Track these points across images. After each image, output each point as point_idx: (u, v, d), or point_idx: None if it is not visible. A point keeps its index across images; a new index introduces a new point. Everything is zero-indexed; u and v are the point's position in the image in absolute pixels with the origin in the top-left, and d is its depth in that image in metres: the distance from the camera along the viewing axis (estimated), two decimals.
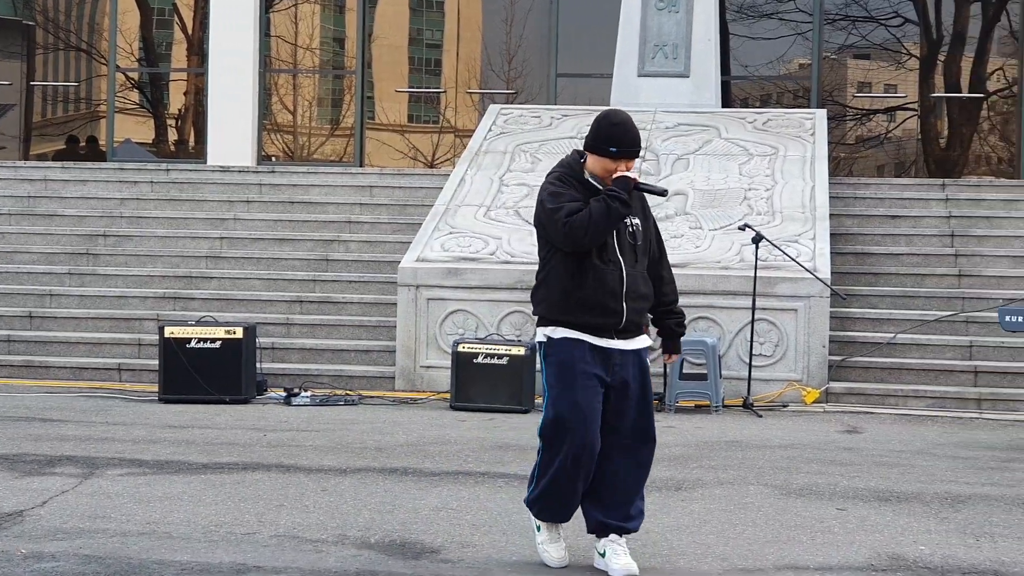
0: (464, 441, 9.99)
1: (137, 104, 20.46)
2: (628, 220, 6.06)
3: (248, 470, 8.57)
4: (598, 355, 6.03)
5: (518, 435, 10.31)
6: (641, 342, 6.13)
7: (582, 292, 6.00)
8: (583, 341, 6.02)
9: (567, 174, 6.13)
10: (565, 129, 15.67)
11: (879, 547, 6.68)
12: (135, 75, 20.38)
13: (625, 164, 6.00)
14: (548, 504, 6.18)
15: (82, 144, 20.30)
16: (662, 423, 11.12)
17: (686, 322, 6.42)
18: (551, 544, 6.26)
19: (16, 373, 13.37)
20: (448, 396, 12.11)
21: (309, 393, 12.15)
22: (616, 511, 6.14)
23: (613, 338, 6.04)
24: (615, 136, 6.00)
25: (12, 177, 17.71)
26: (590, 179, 6.08)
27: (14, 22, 20.87)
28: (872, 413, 12.00)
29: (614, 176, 6.01)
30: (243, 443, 9.69)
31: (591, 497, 6.17)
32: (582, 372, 5.99)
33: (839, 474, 8.74)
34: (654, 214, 6.41)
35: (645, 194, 6.20)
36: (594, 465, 6.06)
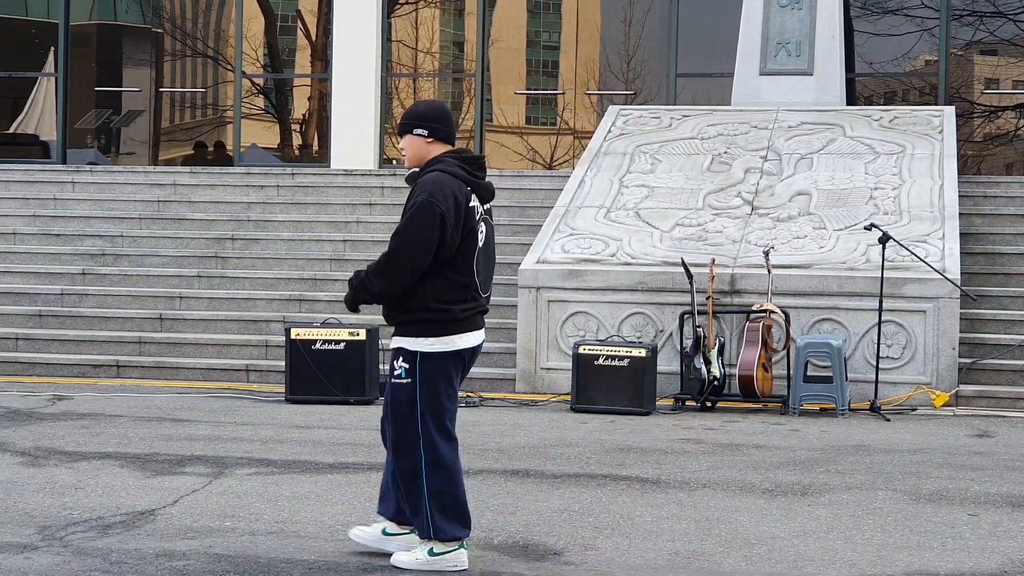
0: (585, 443, 9.97)
1: (262, 109, 20.77)
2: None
3: (373, 470, 8.64)
4: None
5: (639, 437, 10.28)
6: (393, 342, 6.11)
7: None
8: None
9: None
10: (685, 130, 15.58)
11: (1012, 553, 6.54)
12: (260, 81, 20.69)
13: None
14: None
15: (209, 149, 20.66)
16: (786, 426, 11.01)
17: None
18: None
19: (147, 374, 13.65)
20: (569, 398, 12.10)
21: None
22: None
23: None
24: None
25: (143, 182, 18.07)
26: None
27: (143, 30, 21.32)
28: (1004, 417, 11.75)
29: None
30: (368, 444, 9.77)
31: None
32: None
33: (970, 479, 8.57)
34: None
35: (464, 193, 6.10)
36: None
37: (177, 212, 17.18)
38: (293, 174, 18.07)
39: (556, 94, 19.94)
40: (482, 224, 6.09)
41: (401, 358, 6.03)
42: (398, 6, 20.06)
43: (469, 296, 6.04)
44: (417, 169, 6.10)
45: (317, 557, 6.34)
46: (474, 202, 6.03)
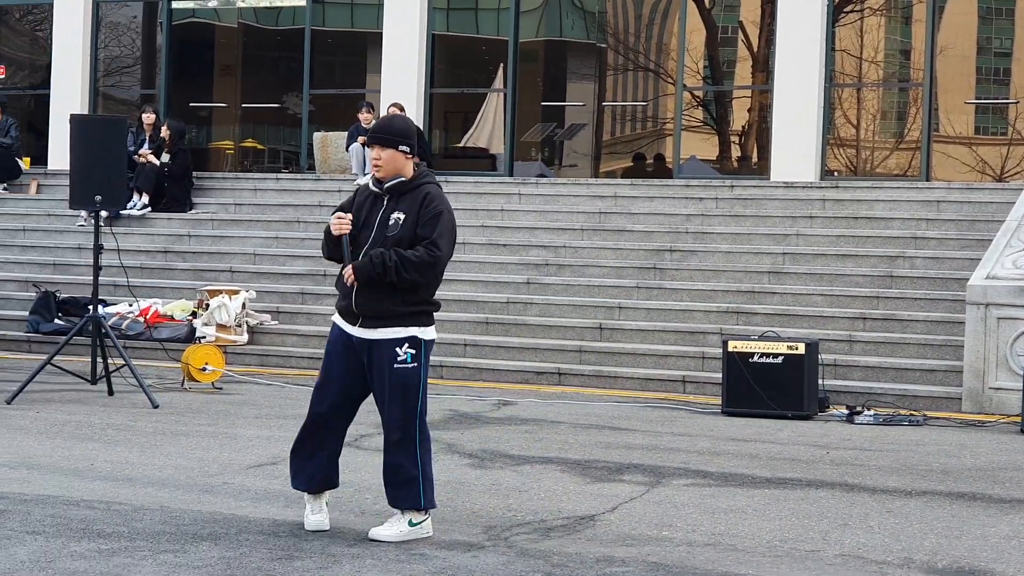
0: None
1: (701, 121, 20.86)
2: (392, 216, 6.79)
3: (811, 487, 8.53)
4: (345, 338, 6.84)
5: None
6: (386, 333, 6.71)
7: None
8: (335, 323, 6.91)
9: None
10: None
11: None
12: (700, 93, 20.80)
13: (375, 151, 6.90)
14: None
15: (649, 161, 20.95)
16: None
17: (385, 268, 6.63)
18: (308, 514, 6.98)
19: (587, 382, 13.96)
20: (1019, 420, 11.53)
21: (872, 412, 11.94)
22: (386, 489, 6.90)
23: (354, 325, 6.79)
24: None
25: (584, 194, 18.52)
26: None
27: (588, 45, 21.86)
28: None
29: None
30: (806, 459, 9.65)
31: None
32: (328, 351, 6.91)
33: None
34: None
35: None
36: (326, 435, 6.88)
37: (617, 223, 17.49)
38: (732, 186, 18.06)
39: (1009, 103, 19.05)
40: None
41: (407, 344, 6.72)
42: (843, 15, 19.71)
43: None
44: (403, 179, 6.83)
45: (755, 572, 6.31)
46: None
